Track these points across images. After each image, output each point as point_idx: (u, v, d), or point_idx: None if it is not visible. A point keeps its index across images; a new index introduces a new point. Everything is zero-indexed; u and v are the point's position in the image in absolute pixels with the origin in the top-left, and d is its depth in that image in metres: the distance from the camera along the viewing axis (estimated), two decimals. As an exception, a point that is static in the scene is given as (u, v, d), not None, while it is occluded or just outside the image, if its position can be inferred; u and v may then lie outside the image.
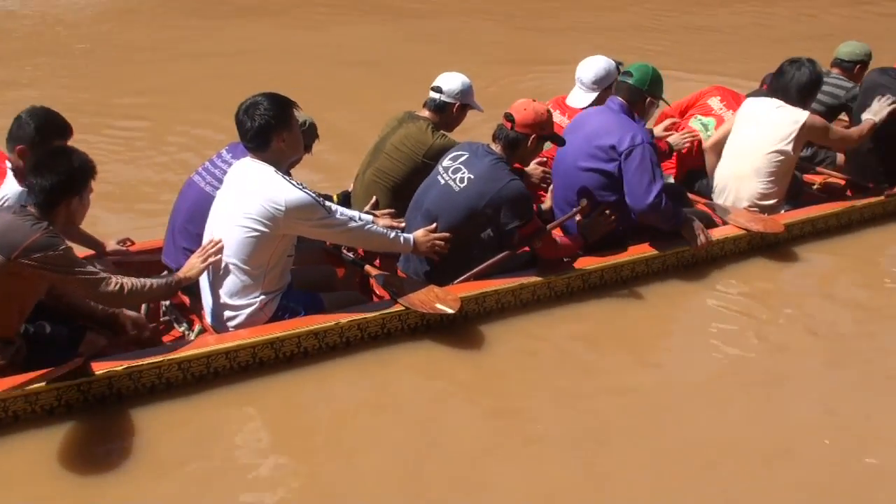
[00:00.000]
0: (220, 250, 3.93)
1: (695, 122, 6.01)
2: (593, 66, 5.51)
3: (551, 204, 5.13)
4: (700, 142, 5.87)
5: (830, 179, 5.94)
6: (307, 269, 4.46)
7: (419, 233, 4.37)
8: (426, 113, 5.12)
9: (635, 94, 4.91)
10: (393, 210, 4.82)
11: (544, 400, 3.94)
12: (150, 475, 3.39)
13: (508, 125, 4.46)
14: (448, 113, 5.10)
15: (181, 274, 3.92)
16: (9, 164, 4.09)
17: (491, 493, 3.37)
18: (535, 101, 4.54)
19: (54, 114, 4.16)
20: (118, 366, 3.70)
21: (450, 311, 4.12)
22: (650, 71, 4.95)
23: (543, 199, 5.27)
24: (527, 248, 4.61)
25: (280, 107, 3.94)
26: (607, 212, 4.78)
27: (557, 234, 4.75)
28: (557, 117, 5.58)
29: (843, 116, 6.53)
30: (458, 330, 4.32)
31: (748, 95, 6.18)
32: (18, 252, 3.39)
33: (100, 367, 3.67)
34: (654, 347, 4.44)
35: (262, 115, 3.88)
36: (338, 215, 4.04)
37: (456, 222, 4.40)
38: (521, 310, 4.52)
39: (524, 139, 4.46)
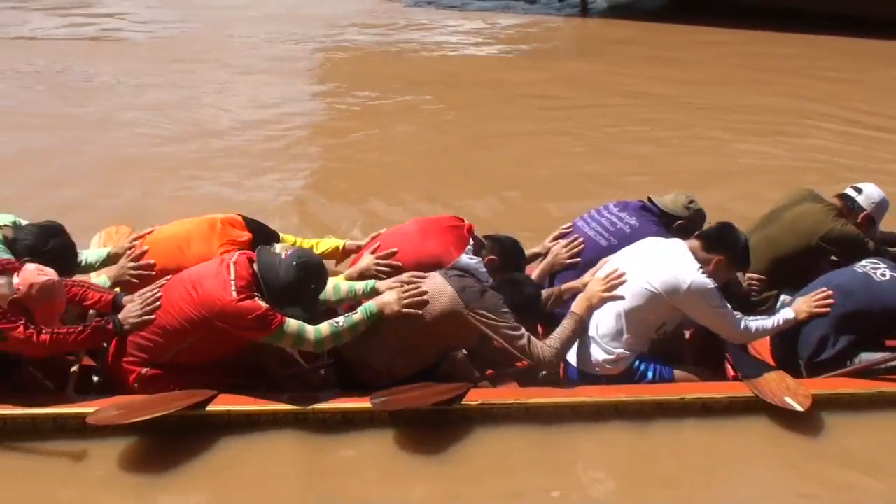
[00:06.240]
0: (622, 282, 4.28)
1: None
2: None
3: None
4: None
5: None
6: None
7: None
8: (836, 200, 5.11)
9: None
10: (763, 278, 4.93)
11: None
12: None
13: None
14: (854, 215, 5.07)
15: (580, 308, 4.32)
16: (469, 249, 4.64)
17: None
18: None
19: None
20: (473, 400, 4.09)
21: (798, 408, 4.05)
22: None
23: None
24: None
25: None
26: None
27: None
28: None
29: None
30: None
31: None
32: (474, 306, 4.07)
33: (475, 398, 4.12)
34: None
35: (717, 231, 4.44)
36: (728, 308, 4.26)
37: (868, 308, 4.37)
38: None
39: None
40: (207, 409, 3.95)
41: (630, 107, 10.79)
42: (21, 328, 3.77)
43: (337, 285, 4.34)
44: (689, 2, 16.12)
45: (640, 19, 15.87)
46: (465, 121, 10.15)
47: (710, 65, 12.94)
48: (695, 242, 4.37)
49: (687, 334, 4.81)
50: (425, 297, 4.10)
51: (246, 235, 4.61)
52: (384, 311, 4.09)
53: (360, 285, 4.35)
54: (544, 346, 4.16)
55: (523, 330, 4.15)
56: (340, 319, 4.05)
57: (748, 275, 4.93)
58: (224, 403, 4.00)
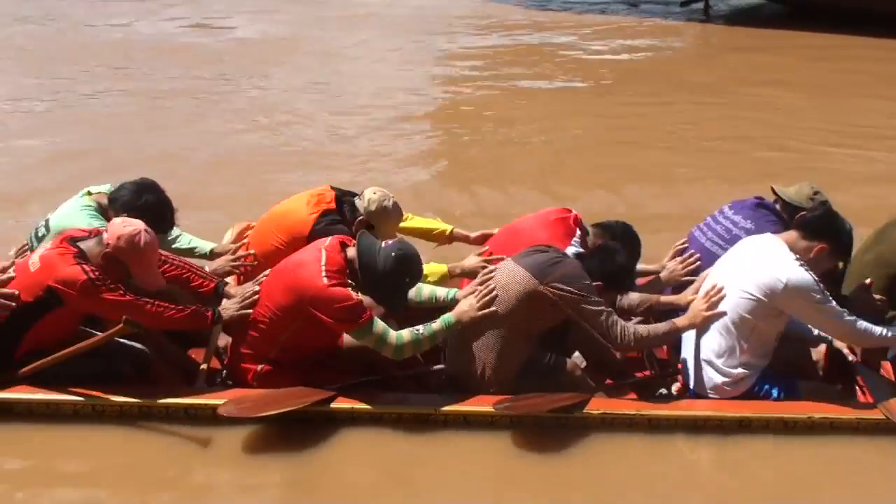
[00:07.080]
0: (722, 297, 4.13)
1: None
2: None
3: None
4: None
5: None
6: (784, 347, 4.43)
7: None
8: None
9: None
10: (885, 298, 4.62)
11: None
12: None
13: None
14: None
15: (681, 322, 4.19)
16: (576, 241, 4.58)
17: None
18: None
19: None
20: (595, 409, 4.07)
21: (925, 428, 3.92)
22: None
23: None
24: None
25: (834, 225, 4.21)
26: None
27: None
28: None
29: None
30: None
31: None
32: (550, 279, 3.98)
33: (596, 407, 4.09)
34: None
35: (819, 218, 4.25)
36: (832, 302, 4.04)
37: None
38: None
39: None
40: (332, 405, 4.01)
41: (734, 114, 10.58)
42: (119, 293, 3.89)
43: (420, 289, 4.33)
44: (803, 9, 15.81)
45: (760, 26, 15.52)
46: (583, 122, 10.09)
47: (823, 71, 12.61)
48: (793, 233, 4.17)
49: (814, 353, 4.65)
50: (500, 288, 4.07)
51: (331, 193, 4.70)
52: (462, 319, 4.09)
53: (441, 292, 4.35)
54: (627, 328, 4.05)
55: (606, 306, 4.06)
56: (421, 328, 4.05)
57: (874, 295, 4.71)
58: (346, 402, 4.05)
